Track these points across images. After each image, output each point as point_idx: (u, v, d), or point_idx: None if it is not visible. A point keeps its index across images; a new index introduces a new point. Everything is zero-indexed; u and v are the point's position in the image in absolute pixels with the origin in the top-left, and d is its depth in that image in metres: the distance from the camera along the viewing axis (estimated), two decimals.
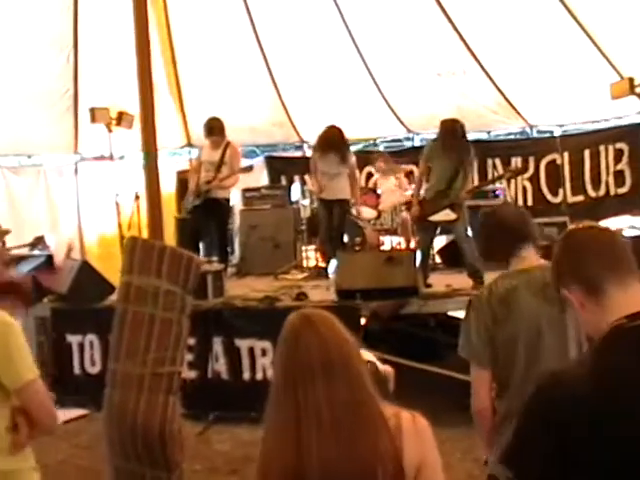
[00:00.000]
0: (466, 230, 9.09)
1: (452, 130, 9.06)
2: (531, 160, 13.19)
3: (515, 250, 3.80)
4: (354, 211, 11.09)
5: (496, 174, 13.02)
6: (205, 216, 10.74)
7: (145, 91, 7.00)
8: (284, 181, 14.14)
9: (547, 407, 2.09)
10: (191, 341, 8.36)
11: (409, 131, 14.19)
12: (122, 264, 5.56)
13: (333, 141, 10.53)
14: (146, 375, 5.14)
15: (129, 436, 5.07)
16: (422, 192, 9.40)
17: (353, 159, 10.87)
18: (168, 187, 12.20)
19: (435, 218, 9.16)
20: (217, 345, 8.48)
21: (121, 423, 5.11)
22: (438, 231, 9.57)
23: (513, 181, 13.19)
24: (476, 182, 11.29)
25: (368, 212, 11.26)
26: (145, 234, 8.47)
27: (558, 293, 2.39)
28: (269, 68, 13.52)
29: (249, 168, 11.48)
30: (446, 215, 9.08)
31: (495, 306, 3.66)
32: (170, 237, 11.81)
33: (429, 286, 8.96)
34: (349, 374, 2.42)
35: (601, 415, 2.00)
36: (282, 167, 14.60)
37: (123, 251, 5.61)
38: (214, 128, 10.67)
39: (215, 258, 10.32)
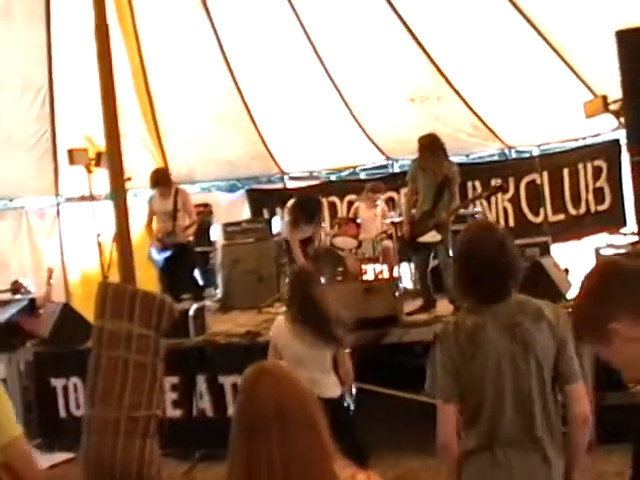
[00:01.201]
0: (448, 253, 9.11)
1: (428, 146, 9.14)
2: (511, 181, 13.21)
3: (483, 286, 3.65)
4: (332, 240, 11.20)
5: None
6: (175, 262, 10.83)
7: (110, 127, 7.01)
8: (266, 214, 14.17)
9: None
10: (174, 380, 8.46)
11: (388, 158, 14.25)
12: (94, 309, 5.61)
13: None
14: (122, 419, 5.18)
15: None
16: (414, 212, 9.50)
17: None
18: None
19: (423, 239, 9.21)
20: (201, 383, 8.49)
21: (99, 469, 5.14)
22: (433, 253, 9.55)
23: (494, 203, 13.28)
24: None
25: (348, 242, 11.30)
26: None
27: (593, 329, 2.45)
28: (244, 102, 13.61)
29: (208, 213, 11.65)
30: (432, 237, 9.14)
31: (462, 342, 3.60)
32: (151, 275, 11.90)
33: (410, 314, 8.98)
34: (306, 428, 2.40)
35: None
36: (264, 199, 14.63)
37: (95, 296, 5.63)
38: (159, 179, 10.79)
39: (187, 295, 10.40)
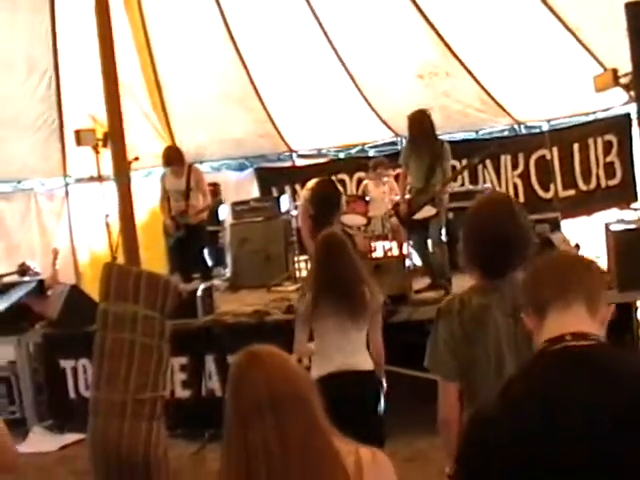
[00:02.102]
0: (440, 231, 9.10)
1: (417, 122, 9.12)
2: (521, 157, 13.19)
3: (494, 265, 3.54)
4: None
5: (487, 175, 13.04)
6: (186, 242, 10.86)
7: (112, 107, 6.96)
8: (275, 192, 14.14)
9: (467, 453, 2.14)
10: (183, 360, 8.49)
11: (396, 135, 14.18)
12: (99, 291, 5.59)
13: None
14: (128, 402, 5.16)
15: (114, 464, 5.09)
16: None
17: None
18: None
19: (418, 216, 9.19)
20: (209, 363, 8.52)
21: (105, 451, 5.12)
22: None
23: (503, 178, 13.22)
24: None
25: (357, 219, 11.24)
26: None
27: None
28: (252, 80, 13.57)
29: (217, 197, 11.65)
30: (427, 211, 9.12)
31: (466, 322, 3.51)
32: (161, 255, 11.88)
33: (419, 292, 8.96)
34: (301, 409, 2.37)
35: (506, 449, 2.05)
36: (272, 178, 14.63)
37: (100, 278, 5.61)
38: (171, 158, 10.82)
39: (197, 275, 10.41)
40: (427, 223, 9.28)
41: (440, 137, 9.54)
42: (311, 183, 8.71)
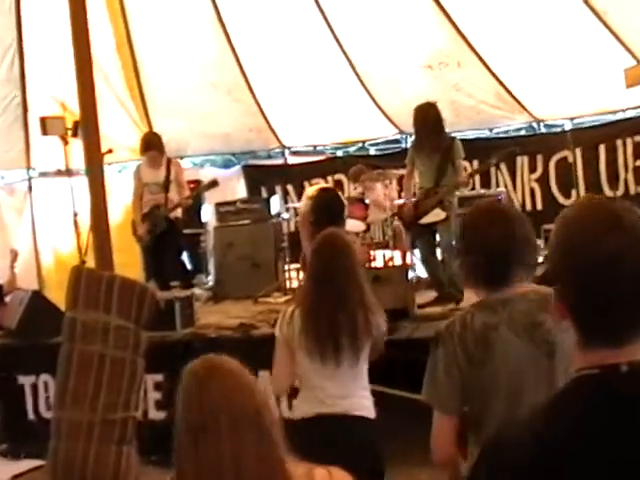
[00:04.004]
0: (451, 237, 9.08)
1: (421, 113, 9.19)
2: (539, 158, 13.13)
3: (495, 275, 3.50)
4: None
5: (501, 178, 13.03)
6: (163, 240, 10.82)
7: (85, 92, 6.90)
8: (264, 192, 14.10)
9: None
10: (158, 377, 8.41)
11: (401, 132, 14.14)
12: (66, 298, 5.54)
13: None
14: (96, 423, 5.12)
15: None
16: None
17: None
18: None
19: (425, 220, 9.19)
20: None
21: (68, 478, 5.07)
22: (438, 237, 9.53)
23: (520, 182, 13.19)
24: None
25: (356, 224, 11.21)
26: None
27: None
28: (242, 67, 13.51)
29: (213, 183, 11.46)
30: (436, 215, 9.12)
31: (470, 345, 3.41)
32: (136, 259, 11.81)
33: (422, 306, 8.93)
34: (257, 428, 2.45)
35: None
36: (262, 177, 14.61)
37: (68, 283, 5.56)
38: (152, 142, 10.83)
39: (176, 283, 10.37)
40: (435, 228, 9.26)
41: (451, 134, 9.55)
42: (311, 191, 8.64)
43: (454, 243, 9.09)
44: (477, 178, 12.76)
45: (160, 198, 10.74)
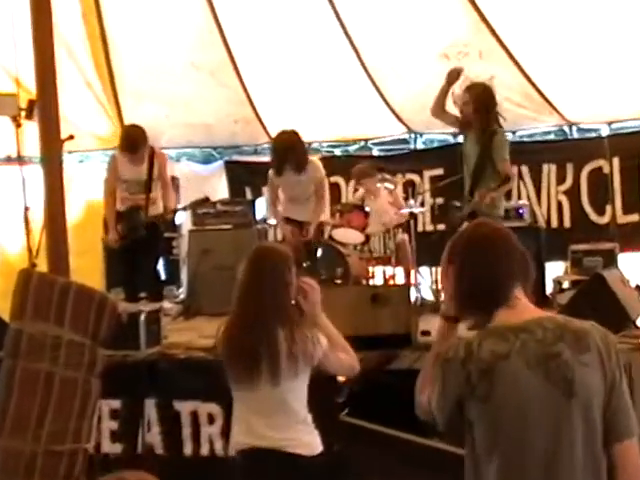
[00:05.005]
0: None
1: (475, 96, 9.30)
2: (569, 168, 13.14)
3: (500, 295, 3.50)
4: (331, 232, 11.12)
5: (523, 188, 13.03)
6: (141, 246, 10.71)
7: (44, 66, 6.85)
8: (249, 194, 14.11)
9: None
10: (115, 404, 8.35)
11: (409, 130, 14.16)
12: (11, 307, 5.49)
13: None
14: (39, 454, 5.07)
15: None
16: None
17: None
18: (98, 194, 12.17)
19: None
20: (150, 409, 8.36)
21: None
22: None
23: (545, 194, 13.18)
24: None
25: (353, 235, 11.20)
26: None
27: None
28: (228, 48, 13.50)
29: (205, 200, 11.43)
30: None
31: (474, 377, 3.34)
32: (96, 264, 11.76)
33: (427, 333, 8.89)
34: None
35: None
36: (247, 176, 14.68)
37: (14, 289, 5.51)
38: (138, 142, 10.51)
39: (144, 294, 10.36)
40: None
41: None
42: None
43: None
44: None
45: (140, 199, 10.62)
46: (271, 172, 10.95)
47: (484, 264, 3.52)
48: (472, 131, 9.43)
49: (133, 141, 10.49)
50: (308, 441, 5.13)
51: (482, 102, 9.28)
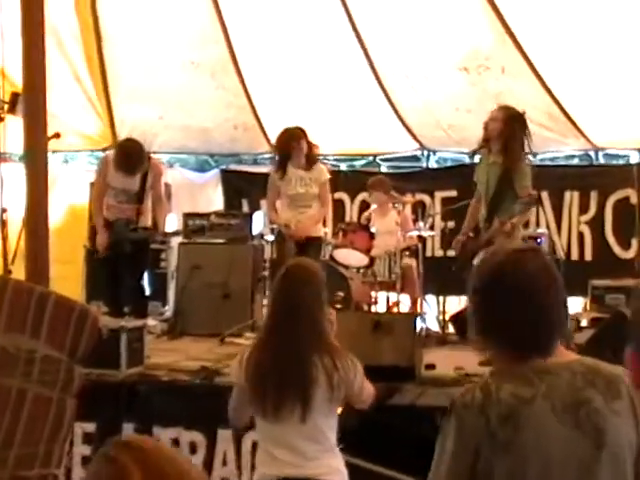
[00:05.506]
0: None
1: (502, 116, 9.29)
2: (593, 196, 13.13)
3: (549, 346, 3.33)
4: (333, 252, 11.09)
5: (543, 215, 12.99)
6: (129, 260, 10.74)
7: (32, 57, 6.82)
8: (246, 206, 14.08)
9: None
10: (90, 427, 8.32)
11: (422, 147, 14.14)
12: None
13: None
14: None
15: None
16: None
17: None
18: (82, 198, 12.15)
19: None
20: (128, 434, 8.34)
21: None
22: None
23: (566, 223, 13.15)
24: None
25: (356, 257, 11.17)
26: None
27: None
28: (231, 47, 13.49)
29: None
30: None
31: (493, 420, 3.21)
32: (77, 274, 11.72)
33: (431, 367, 8.86)
34: None
35: None
36: (244, 186, 14.63)
37: None
38: (134, 159, 10.45)
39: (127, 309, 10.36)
40: None
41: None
42: None
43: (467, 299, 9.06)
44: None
45: (129, 210, 10.62)
46: (273, 172, 10.96)
47: (534, 310, 3.33)
48: (491, 151, 9.39)
49: (128, 162, 10.43)
50: (337, 467, 5.19)
51: (512, 123, 9.26)
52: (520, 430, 3.19)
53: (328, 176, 11.00)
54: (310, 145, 10.93)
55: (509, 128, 9.26)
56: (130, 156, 10.48)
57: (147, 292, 11.84)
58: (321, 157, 14.08)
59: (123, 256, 10.59)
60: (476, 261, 9.11)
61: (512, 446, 3.19)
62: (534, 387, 3.24)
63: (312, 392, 5.00)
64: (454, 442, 3.27)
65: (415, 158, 14.41)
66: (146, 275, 11.90)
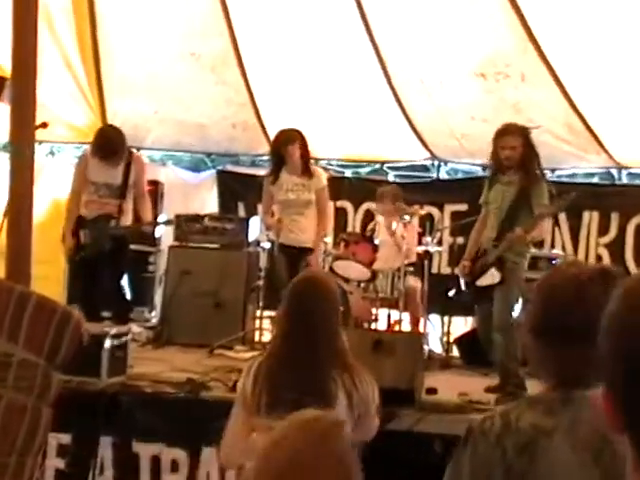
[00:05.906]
0: (508, 308, 9.01)
1: (508, 130, 9.27)
2: (614, 217, 13.10)
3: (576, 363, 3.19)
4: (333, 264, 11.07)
5: (559, 236, 12.97)
6: (106, 260, 10.76)
7: (23, 40, 6.80)
8: (242, 210, 14.07)
9: None
10: (65, 439, 8.29)
11: (433, 157, 14.13)
12: None
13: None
14: None
15: None
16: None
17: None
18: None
19: (481, 282, 9.18)
20: (105, 448, 8.33)
21: None
22: None
23: (583, 245, 13.12)
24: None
25: (357, 270, 11.14)
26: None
27: None
28: (234, 38, 13.46)
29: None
30: (490, 277, 9.09)
31: (510, 451, 3.17)
32: (59, 274, 11.69)
33: (433, 391, 8.83)
34: None
35: None
36: (241, 189, 14.61)
37: None
38: (114, 148, 10.54)
39: (107, 314, 10.32)
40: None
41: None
42: None
43: (512, 318, 9.03)
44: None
45: (110, 206, 10.61)
46: (266, 176, 10.96)
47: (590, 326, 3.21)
48: (504, 172, 9.37)
49: (108, 146, 10.51)
50: None
51: (530, 144, 9.29)
52: (536, 463, 3.15)
53: (325, 182, 10.94)
54: (307, 149, 10.88)
55: (528, 150, 9.24)
56: (110, 140, 10.58)
57: (127, 295, 11.84)
58: (324, 162, 14.17)
59: (102, 255, 10.59)
60: (480, 282, 9.14)
61: (527, 476, 3.16)
62: (555, 418, 3.20)
63: (332, 410, 4.99)
64: (469, 470, 3.25)
65: (425, 168, 14.39)
66: (127, 278, 11.91)
